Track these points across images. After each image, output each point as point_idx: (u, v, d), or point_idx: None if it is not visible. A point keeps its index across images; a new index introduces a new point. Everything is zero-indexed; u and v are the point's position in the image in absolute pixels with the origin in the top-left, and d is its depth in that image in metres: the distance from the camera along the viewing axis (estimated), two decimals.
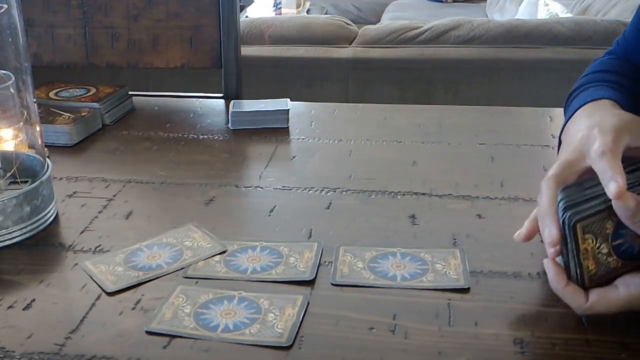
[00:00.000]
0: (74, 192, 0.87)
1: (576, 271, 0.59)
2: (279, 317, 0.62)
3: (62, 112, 1.05)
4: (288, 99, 1.11)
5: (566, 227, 0.58)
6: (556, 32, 2.07)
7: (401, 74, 2.10)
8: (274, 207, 0.83)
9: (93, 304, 0.65)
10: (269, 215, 0.81)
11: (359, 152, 0.98)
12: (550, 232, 0.59)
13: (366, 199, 0.84)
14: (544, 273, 0.67)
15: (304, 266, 0.70)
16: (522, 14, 3.36)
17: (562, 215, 0.58)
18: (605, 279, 0.59)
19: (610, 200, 0.57)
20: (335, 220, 0.79)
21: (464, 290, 0.66)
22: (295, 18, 2.34)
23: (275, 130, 1.06)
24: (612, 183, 0.56)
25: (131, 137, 1.05)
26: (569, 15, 2.86)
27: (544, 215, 0.60)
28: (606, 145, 0.59)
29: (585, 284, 0.59)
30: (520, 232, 0.65)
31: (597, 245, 0.58)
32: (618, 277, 0.59)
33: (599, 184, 0.58)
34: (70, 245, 0.75)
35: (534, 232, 0.64)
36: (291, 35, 2.16)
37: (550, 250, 0.59)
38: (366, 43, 2.14)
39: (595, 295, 0.58)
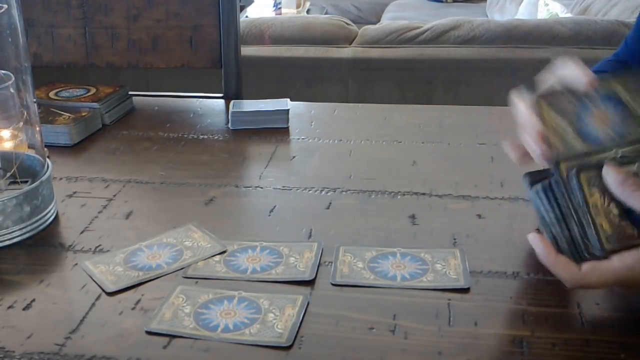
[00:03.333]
0: (74, 192, 0.87)
1: (590, 235, 0.56)
2: (279, 317, 0.62)
3: (62, 112, 1.05)
4: (288, 99, 1.11)
5: (572, 178, 0.56)
6: (556, 32, 2.07)
7: (401, 74, 2.10)
8: (274, 207, 0.83)
9: (93, 304, 0.65)
10: (269, 215, 0.81)
11: (359, 152, 0.98)
12: (533, 124, 0.60)
13: (366, 199, 0.84)
14: (544, 272, 0.67)
15: (304, 266, 0.70)
16: (522, 14, 3.36)
17: (559, 167, 0.57)
18: (621, 247, 0.56)
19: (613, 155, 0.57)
20: (335, 220, 0.79)
21: (464, 290, 0.66)
22: (295, 18, 2.34)
23: (275, 130, 1.06)
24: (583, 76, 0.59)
25: (131, 137, 1.05)
26: (569, 15, 2.86)
27: (524, 112, 0.61)
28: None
29: (605, 248, 0.56)
30: (513, 149, 0.65)
31: (606, 203, 0.56)
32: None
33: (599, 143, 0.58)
34: (70, 245, 0.75)
35: (521, 148, 0.64)
36: (291, 35, 2.16)
37: (540, 145, 0.59)
38: (366, 43, 2.14)
39: (589, 265, 0.57)
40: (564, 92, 0.62)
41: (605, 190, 0.57)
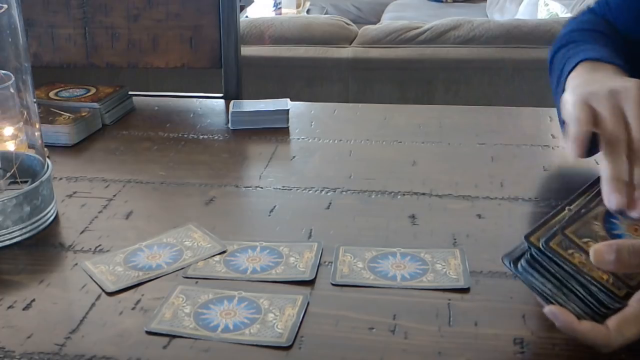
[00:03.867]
0: (74, 192, 0.87)
1: (597, 290, 0.53)
2: (279, 317, 0.62)
3: (62, 112, 1.05)
4: (288, 99, 1.11)
5: (545, 253, 0.55)
6: (556, 32, 2.05)
7: (401, 74, 2.10)
8: (274, 207, 0.83)
9: (93, 304, 0.65)
10: (269, 215, 0.81)
11: (359, 152, 0.98)
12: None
13: (366, 199, 0.84)
14: None
15: (304, 266, 0.70)
16: (522, 14, 3.36)
17: (530, 241, 0.56)
18: (635, 284, 0.53)
19: (576, 204, 0.57)
20: (335, 220, 0.79)
21: (464, 290, 0.66)
22: (295, 18, 2.34)
23: (275, 130, 1.06)
24: None
25: (131, 137, 1.05)
26: (569, 15, 2.86)
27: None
28: None
29: (618, 295, 0.53)
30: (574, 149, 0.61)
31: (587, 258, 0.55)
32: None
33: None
34: (70, 245, 0.75)
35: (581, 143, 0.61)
36: (291, 35, 2.16)
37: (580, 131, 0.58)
38: (366, 43, 2.14)
39: (614, 321, 0.52)
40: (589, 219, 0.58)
41: (594, 237, 0.56)
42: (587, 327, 0.53)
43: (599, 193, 0.59)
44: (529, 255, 0.57)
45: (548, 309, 0.55)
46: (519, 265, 0.57)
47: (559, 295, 0.55)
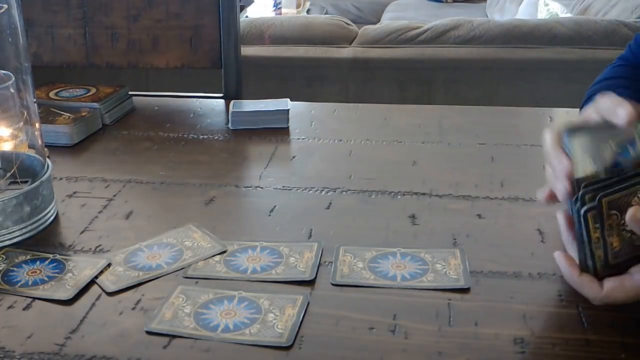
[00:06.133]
0: (74, 192, 0.87)
1: (596, 252, 0.58)
2: (279, 317, 0.62)
3: (62, 112, 1.05)
4: (288, 99, 1.11)
5: (594, 207, 0.57)
6: (556, 32, 2.07)
7: (401, 74, 2.10)
8: (274, 207, 0.83)
9: (93, 304, 0.65)
10: (269, 215, 0.81)
11: (359, 152, 0.98)
12: (560, 162, 0.59)
13: (366, 199, 0.84)
14: (544, 273, 0.67)
15: (304, 266, 0.70)
16: (522, 14, 3.35)
17: (585, 196, 0.58)
18: (628, 257, 0.59)
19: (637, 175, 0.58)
20: (335, 220, 0.79)
21: (464, 290, 0.66)
22: (295, 18, 2.34)
23: (275, 130, 1.06)
24: (620, 109, 0.58)
25: (131, 137, 1.05)
26: (569, 15, 2.86)
27: (552, 151, 0.61)
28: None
29: (609, 261, 0.58)
30: (543, 192, 0.64)
31: (622, 220, 0.58)
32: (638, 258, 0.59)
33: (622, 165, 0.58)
34: (70, 245, 0.75)
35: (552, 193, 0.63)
36: (291, 35, 2.16)
37: (564, 183, 0.59)
38: (366, 43, 2.14)
39: (611, 282, 0.58)
40: (601, 131, 0.60)
41: (623, 209, 0.58)
42: (584, 280, 0.59)
43: None
44: (579, 205, 0.59)
45: (557, 254, 0.60)
46: (576, 205, 0.59)
47: (580, 243, 0.59)
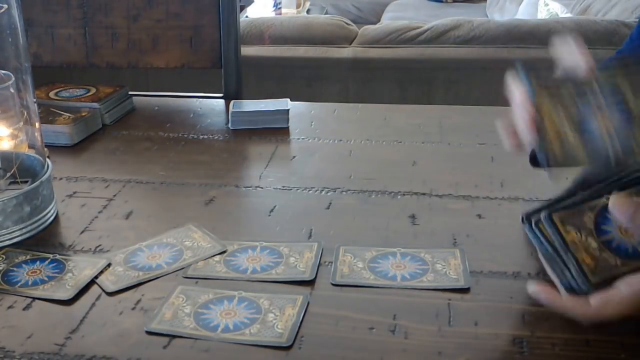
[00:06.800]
0: (74, 192, 0.87)
1: (574, 272, 0.56)
2: (279, 317, 0.62)
3: (62, 112, 1.05)
4: (288, 99, 1.11)
5: (546, 223, 0.57)
6: (556, 32, 2.07)
7: (401, 74, 2.10)
8: (274, 207, 0.83)
9: (93, 304, 0.65)
10: (269, 215, 0.81)
11: (359, 152, 0.98)
12: (526, 110, 0.60)
13: (366, 199, 0.84)
14: (544, 273, 0.67)
15: (304, 266, 0.70)
16: (522, 14, 3.35)
17: (537, 215, 0.58)
18: (609, 277, 0.56)
19: (586, 195, 0.57)
20: (335, 220, 0.79)
21: (464, 290, 0.66)
22: (295, 18, 2.34)
23: (275, 130, 1.06)
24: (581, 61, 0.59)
25: (131, 137, 1.05)
26: (569, 15, 2.86)
27: (518, 101, 0.62)
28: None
29: (590, 281, 0.56)
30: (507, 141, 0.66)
31: (583, 238, 0.57)
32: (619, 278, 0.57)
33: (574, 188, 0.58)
34: (70, 245, 0.75)
35: (514, 133, 0.64)
36: (291, 35, 2.16)
37: (528, 137, 0.60)
38: (366, 43, 2.14)
39: (598, 299, 0.55)
40: (565, 81, 0.61)
41: (580, 227, 0.57)
42: (569, 302, 0.57)
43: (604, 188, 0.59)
44: (537, 219, 0.58)
45: (532, 288, 0.59)
46: (527, 224, 0.59)
47: (551, 260, 0.58)
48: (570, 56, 0.62)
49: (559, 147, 0.59)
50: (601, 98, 0.60)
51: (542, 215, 0.57)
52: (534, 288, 0.59)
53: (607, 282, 0.56)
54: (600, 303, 0.55)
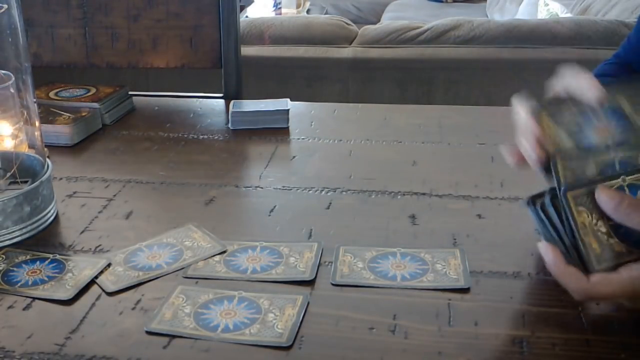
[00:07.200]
0: (74, 192, 0.87)
1: (580, 252, 0.57)
2: (279, 317, 0.62)
3: (62, 112, 1.05)
4: (288, 99, 1.11)
5: (560, 197, 0.57)
6: (556, 32, 2.07)
7: (401, 74, 2.10)
8: (274, 207, 0.83)
9: (93, 304, 0.65)
10: (269, 215, 0.81)
11: (359, 152, 0.98)
12: (532, 130, 0.61)
13: (366, 199, 0.84)
14: (544, 272, 0.67)
15: (304, 266, 0.70)
16: (522, 14, 3.36)
17: (541, 199, 0.59)
18: (613, 265, 0.57)
19: (599, 176, 0.58)
20: (335, 220, 0.79)
21: (464, 290, 0.66)
22: (295, 18, 2.34)
23: (275, 130, 1.06)
24: (591, 92, 0.60)
25: (131, 137, 1.05)
26: (569, 15, 2.86)
27: (524, 120, 0.62)
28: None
29: (593, 265, 0.57)
30: (510, 159, 0.66)
31: (594, 221, 0.57)
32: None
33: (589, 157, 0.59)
34: (70, 245, 0.75)
35: (518, 152, 0.65)
36: (291, 35, 2.16)
37: (536, 150, 0.60)
38: (366, 43, 2.14)
39: (598, 277, 0.56)
40: (568, 103, 0.62)
41: (592, 209, 0.57)
42: (570, 272, 0.57)
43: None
44: (542, 202, 0.60)
45: (542, 244, 0.59)
46: (531, 206, 0.60)
47: (557, 243, 0.58)
48: (578, 84, 0.62)
49: (565, 168, 0.60)
50: (603, 116, 0.61)
51: (561, 191, 0.57)
52: (543, 245, 0.59)
53: (610, 269, 0.57)
54: (597, 280, 0.56)
